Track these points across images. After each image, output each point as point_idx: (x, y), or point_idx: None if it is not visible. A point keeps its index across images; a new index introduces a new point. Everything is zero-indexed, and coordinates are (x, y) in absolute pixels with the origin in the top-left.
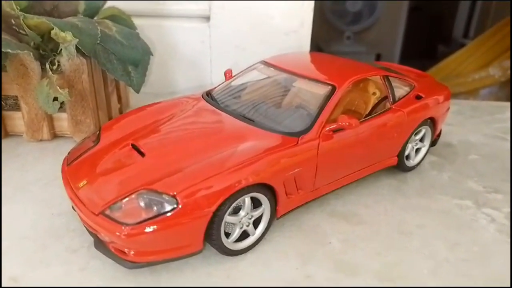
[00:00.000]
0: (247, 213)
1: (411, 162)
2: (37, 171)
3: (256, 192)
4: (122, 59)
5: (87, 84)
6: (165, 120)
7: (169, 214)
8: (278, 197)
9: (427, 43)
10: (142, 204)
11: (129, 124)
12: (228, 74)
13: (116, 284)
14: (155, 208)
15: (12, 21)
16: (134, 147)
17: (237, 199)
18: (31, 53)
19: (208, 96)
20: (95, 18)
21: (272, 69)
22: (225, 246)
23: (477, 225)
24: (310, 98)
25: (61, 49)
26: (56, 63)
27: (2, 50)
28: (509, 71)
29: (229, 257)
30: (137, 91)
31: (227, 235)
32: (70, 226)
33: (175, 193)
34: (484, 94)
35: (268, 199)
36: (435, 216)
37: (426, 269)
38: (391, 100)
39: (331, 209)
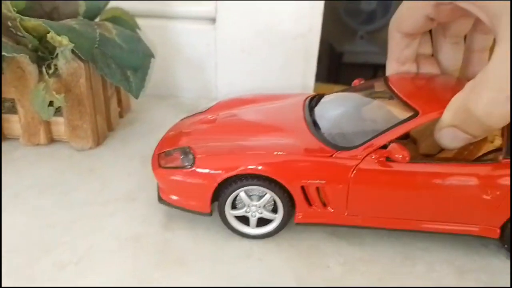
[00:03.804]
0: (259, 206)
1: None
2: (31, 176)
3: (270, 189)
4: (120, 63)
5: (85, 88)
6: (252, 106)
7: (185, 169)
8: (296, 201)
9: None
10: (180, 156)
11: (229, 104)
12: (357, 82)
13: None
14: (183, 162)
15: (9, 23)
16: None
17: (248, 185)
18: (28, 56)
19: (313, 99)
20: (97, 19)
21: (385, 85)
22: (225, 213)
23: (487, 251)
24: (389, 118)
25: (57, 53)
26: (53, 67)
27: None
28: None
29: (221, 275)
30: (136, 97)
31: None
32: (61, 239)
33: (196, 156)
34: None
35: (282, 202)
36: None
37: None
38: (506, 153)
39: (331, 228)
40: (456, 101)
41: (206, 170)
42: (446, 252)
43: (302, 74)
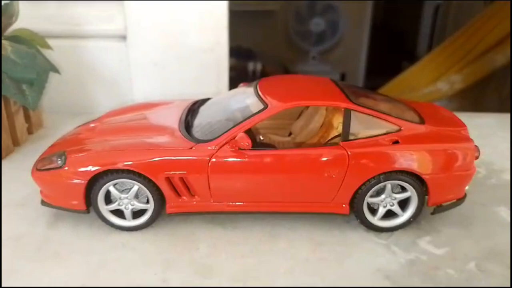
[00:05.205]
0: (129, 198)
1: (376, 221)
2: None
3: (137, 181)
4: (15, 78)
5: None
6: (139, 112)
7: (58, 170)
8: (164, 193)
9: (391, 60)
10: (56, 158)
11: (119, 111)
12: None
13: None
14: (57, 163)
15: None
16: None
17: (113, 179)
18: None
19: (197, 102)
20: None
21: (255, 85)
22: (99, 209)
23: (347, 225)
24: (246, 113)
25: None
26: None
27: None
28: (456, 85)
29: (91, 264)
30: (33, 109)
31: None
32: None
33: (68, 156)
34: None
35: (150, 191)
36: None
37: (283, 269)
38: (342, 137)
39: (211, 216)
40: None
41: (76, 169)
42: (309, 229)
43: (216, 86)
